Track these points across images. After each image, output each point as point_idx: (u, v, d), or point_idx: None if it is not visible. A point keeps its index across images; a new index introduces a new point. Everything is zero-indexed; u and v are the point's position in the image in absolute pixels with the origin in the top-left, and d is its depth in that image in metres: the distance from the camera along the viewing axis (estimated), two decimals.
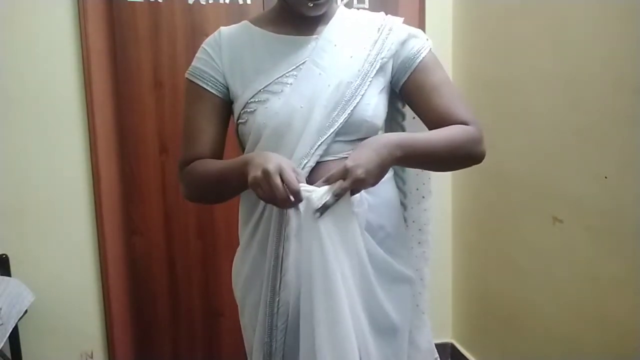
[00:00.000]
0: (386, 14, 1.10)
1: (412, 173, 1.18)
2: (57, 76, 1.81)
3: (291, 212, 0.98)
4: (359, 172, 0.87)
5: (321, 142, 1.00)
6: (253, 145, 1.04)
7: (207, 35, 1.11)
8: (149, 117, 1.87)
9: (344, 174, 0.88)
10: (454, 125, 1.02)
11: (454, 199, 2.25)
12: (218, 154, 1.08)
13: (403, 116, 1.18)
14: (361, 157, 0.89)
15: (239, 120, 1.07)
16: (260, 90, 1.02)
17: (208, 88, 1.06)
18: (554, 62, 1.59)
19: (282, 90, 1.01)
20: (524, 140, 1.76)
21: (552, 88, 1.61)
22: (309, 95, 1.00)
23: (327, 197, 0.87)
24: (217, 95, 1.06)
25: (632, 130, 1.33)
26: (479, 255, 2.10)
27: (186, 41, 1.86)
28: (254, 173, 0.88)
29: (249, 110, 1.03)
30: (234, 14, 1.85)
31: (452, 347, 2.30)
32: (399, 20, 1.09)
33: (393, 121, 1.19)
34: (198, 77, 1.07)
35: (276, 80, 1.02)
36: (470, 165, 1.05)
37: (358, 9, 1.16)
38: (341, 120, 1.00)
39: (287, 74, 1.02)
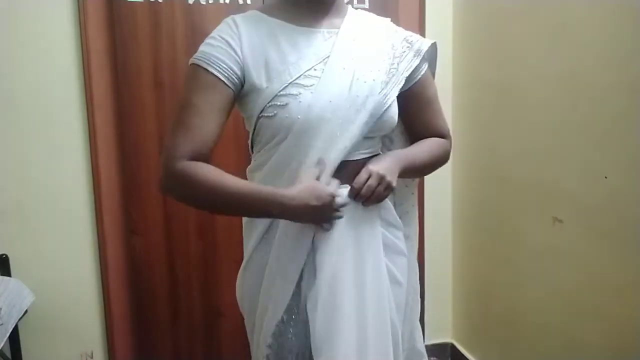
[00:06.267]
0: (387, 15, 1.13)
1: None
2: (57, 76, 1.81)
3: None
4: (389, 179, 1.03)
5: (353, 143, 1.02)
6: (282, 139, 1.01)
7: (207, 35, 1.06)
8: (149, 117, 1.87)
9: (379, 179, 1.02)
10: (434, 140, 1.17)
11: (454, 199, 2.25)
12: (211, 152, 1.02)
13: (391, 141, 1.21)
14: (391, 169, 1.04)
15: (264, 114, 1.00)
16: (290, 83, 0.99)
17: (222, 78, 0.98)
18: (553, 63, 1.59)
19: (312, 84, 1.00)
20: (524, 140, 1.76)
21: (552, 88, 1.61)
22: (336, 90, 1.01)
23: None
24: (229, 87, 0.99)
25: (632, 130, 1.33)
26: (479, 255, 2.10)
27: (186, 41, 1.86)
28: (325, 213, 0.98)
29: (279, 103, 0.99)
30: (234, 14, 1.84)
31: (452, 347, 2.30)
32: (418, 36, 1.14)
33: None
34: (213, 64, 0.98)
35: (306, 73, 1.00)
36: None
37: (357, 9, 1.17)
38: (375, 126, 1.05)
39: (316, 67, 1.02)
